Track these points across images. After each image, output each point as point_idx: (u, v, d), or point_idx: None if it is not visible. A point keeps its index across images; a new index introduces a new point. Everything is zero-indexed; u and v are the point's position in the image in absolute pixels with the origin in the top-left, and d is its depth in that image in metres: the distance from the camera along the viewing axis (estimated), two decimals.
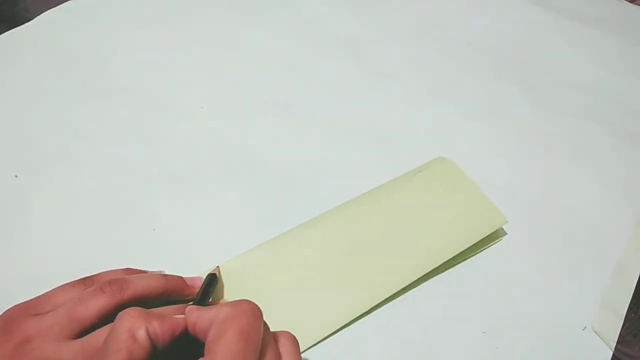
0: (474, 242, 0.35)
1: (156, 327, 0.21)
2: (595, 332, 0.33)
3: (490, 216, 0.36)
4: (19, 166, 0.38)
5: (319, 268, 0.33)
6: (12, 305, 0.27)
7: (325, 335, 0.31)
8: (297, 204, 0.38)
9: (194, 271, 0.32)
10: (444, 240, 0.35)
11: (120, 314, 0.22)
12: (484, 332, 0.32)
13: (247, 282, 0.32)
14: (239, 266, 0.33)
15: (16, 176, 0.38)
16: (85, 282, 0.28)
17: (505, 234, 0.37)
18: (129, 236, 0.35)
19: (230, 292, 0.32)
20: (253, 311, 0.22)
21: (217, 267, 0.32)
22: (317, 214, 0.37)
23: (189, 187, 0.38)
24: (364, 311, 0.32)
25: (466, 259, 0.36)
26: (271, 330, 0.24)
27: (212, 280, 0.30)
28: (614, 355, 0.32)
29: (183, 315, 0.23)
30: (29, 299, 0.27)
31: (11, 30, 0.49)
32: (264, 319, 0.23)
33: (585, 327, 0.33)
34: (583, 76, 0.52)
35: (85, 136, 0.41)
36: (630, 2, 0.63)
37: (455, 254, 0.34)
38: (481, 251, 0.36)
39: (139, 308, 0.22)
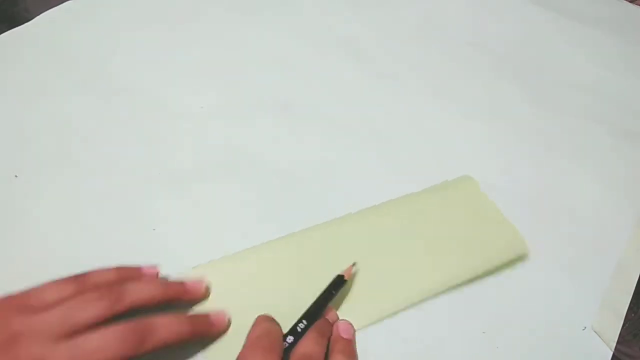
0: (490, 267, 0.34)
1: None
2: (595, 332, 0.33)
3: (512, 242, 0.36)
4: (19, 166, 0.38)
5: (327, 274, 0.32)
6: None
7: None
8: (297, 203, 0.38)
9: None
10: (460, 262, 0.34)
11: None
12: (484, 332, 0.32)
13: (246, 283, 0.32)
14: (238, 265, 0.33)
15: (16, 176, 0.38)
16: (77, 280, 0.28)
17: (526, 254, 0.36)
18: (129, 236, 0.35)
19: (224, 292, 0.32)
20: None
21: (354, 264, 0.32)
22: (316, 213, 0.37)
23: (189, 187, 0.38)
24: (368, 323, 0.32)
25: (478, 279, 0.35)
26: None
27: (338, 282, 0.31)
28: (614, 355, 0.32)
29: None
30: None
31: (11, 30, 0.49)
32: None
33: (585, 327, 0.33)
34: (583, 76, 0.52)
35: (85, 136, 0.41)
36: (630, 2, 0.63)
37: (470, 277, 0.34)
38: (496, 273, 0.35)
39: None
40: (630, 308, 0.34)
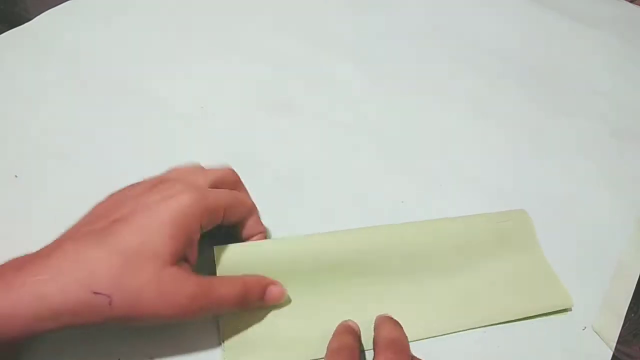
0: (527, 315, 0.32)
1: None
2: (595, 332, 0.33)
3: (556, 295, 0.33)
4: (19, 166, 0.38)
5: (345, 279, 0.32)
6: None
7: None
8: (296, 204, 0.38)
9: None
10: (492, 304, 0.32)
11: None
12: (484, 332, 0.32)
13: (278, 269, 0.31)
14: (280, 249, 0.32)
15: (16, 176, 0.38)
16: (162, 179, 0.31)
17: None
18: None
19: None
20: None
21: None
22: (316, 213, 0.37)
23: None
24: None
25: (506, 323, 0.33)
26: None
27: None
28: (614, 355, 0.32)
29: None
30: None
31: (11, 30, 0.49)
32: None
33: (585, 327, 0.33)
34: (584, 76, 0.52)
35: (85, 136, 0.41)
36: (630, 2, 0.63)
37: (500, 321, 0.32)
38: (527, 319, 0.33)
39: None
40: (630, 308, 0.34)
